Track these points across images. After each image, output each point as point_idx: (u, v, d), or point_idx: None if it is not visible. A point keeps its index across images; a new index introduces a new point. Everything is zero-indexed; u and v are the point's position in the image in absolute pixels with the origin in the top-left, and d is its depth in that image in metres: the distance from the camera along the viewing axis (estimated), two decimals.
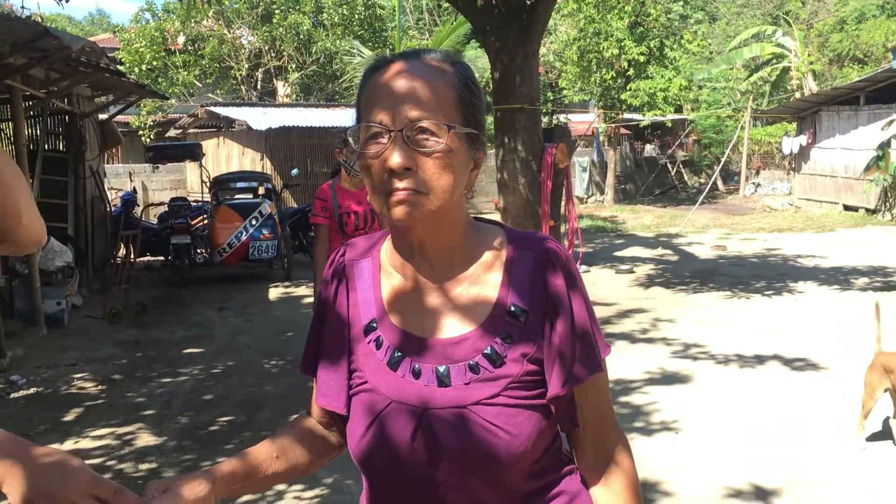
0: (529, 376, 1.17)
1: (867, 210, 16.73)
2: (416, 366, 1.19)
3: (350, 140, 1.19)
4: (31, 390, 5.98)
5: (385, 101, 1.14)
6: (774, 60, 24.04)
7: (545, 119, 16.12)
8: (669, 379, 5.83)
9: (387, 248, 1.29)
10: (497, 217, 13.43)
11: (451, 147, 1.14)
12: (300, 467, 1.33)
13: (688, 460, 4.32)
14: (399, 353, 1.20)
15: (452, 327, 1.20)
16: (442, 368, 1.17)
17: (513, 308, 1.19)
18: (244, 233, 10.49)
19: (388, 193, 1.13)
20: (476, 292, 1.21)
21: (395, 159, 1.11)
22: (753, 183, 23.06)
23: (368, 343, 1.23)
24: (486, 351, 1.17)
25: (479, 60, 26.42)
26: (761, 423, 4.85)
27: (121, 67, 11.77)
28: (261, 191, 11.58)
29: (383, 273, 1.27)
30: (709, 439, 4.62)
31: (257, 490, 1.31)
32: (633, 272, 10.72)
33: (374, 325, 1.24)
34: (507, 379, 1.16)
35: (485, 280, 1.21)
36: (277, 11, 22.95)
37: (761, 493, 3.89)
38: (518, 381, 1.16)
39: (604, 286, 9.75)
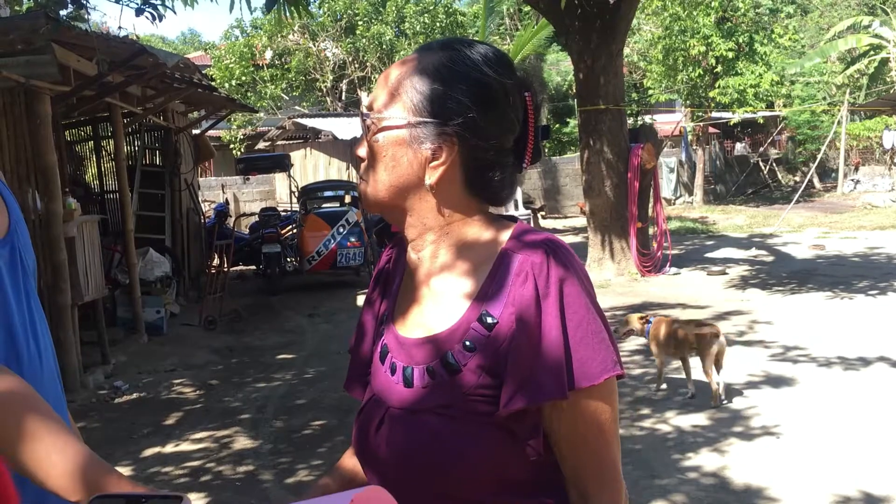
0: (485, 390, 1.07)
1: None
2: (395, 362, 1.16)
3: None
4: (134, 395, 6.21)
5: None
6: (872, 52, 23.04)
7: (630, 120, 15.85)
8: (769, 382, 5.62)
9: None
10: (582, 221, 13.25)
11: (388, 137, 1.12)
12: None
13: (791, 466, 4.14)
14: (386, 348, 1.19)
15: (423, 327, 1.15)
16: (409, 369, 1.13)
17: (484, 315, 1.09)
18: (332, 241, 10.67)
19: None
20: (454, 294, 1.13)
21: (356, 148, 1.17)
22: (852, 179, 22.12)
23: (379, 333, 1.24)
24: (445, 357, 1.10)
25: (561, 63, 26.27)
26: (868, 428, 4.62)
27: (212, 83, 12.15)
28: (347, 199, 11.78)
29: (407, 269, 1.24)
30: (813, 444, 4.42)
31: None
32: (726, 273, 10.41)
33: (385, 316, 1.24)
34: (461, 389, 1.07)
35: (467, 282, 1.13)
36: (360, 23, 23.33)
37: (871, 500, 3.70)
38: (472, 394, 1.07)
39: (696, 288, 9.50)
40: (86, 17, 6.31)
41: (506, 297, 1.08)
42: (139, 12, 5.24)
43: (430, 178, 1.11)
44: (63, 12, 6.27)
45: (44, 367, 1.27)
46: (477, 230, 1.16)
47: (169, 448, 4.93)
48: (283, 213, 13.18)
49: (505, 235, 1.15)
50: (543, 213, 18.37)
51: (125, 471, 4.52)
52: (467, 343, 1.08)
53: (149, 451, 4.87)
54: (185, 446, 4.96)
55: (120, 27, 13.12)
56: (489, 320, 1.08)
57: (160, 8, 5.30)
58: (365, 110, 1.14)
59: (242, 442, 4.99)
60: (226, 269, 9.85)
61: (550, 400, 1.05)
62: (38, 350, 1.27)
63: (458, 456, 1.06)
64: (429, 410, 1.09)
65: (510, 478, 1.09)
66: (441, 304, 1.14)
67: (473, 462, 1.06)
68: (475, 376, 1.07)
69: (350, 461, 1.31)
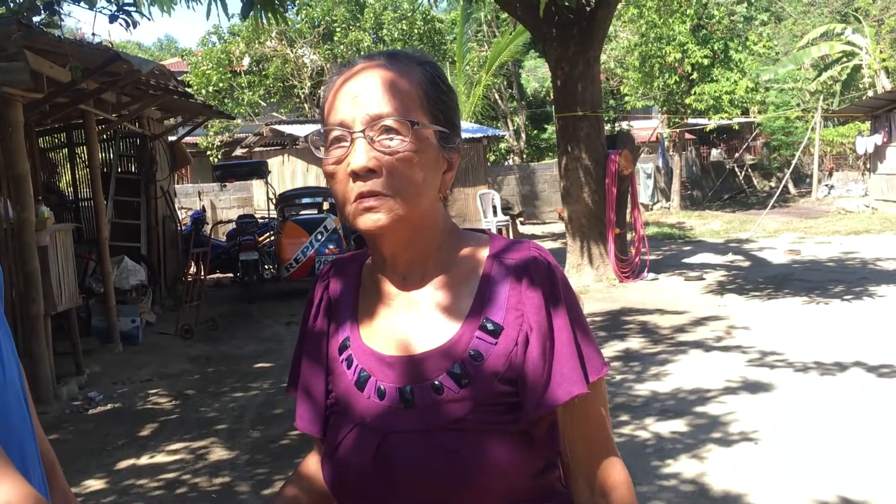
0: (501, 398, 1.06)
1: None
2: (381, 386, 1.10)
3: (311, 147, 1.12)
4: (108, 406, 6.12)
5: (347, 102, 1.07)
6: (844, 59, 23.33)
7: (607, 126, 15.92)
8: (747, 388, 5.64)
9: (368, 263, 1.22)
10: (561, 227, 13.30)
11: (418, 146, 1.05)
12: None
13: (770, 471, 4.15)
14: (365, 373, 1.12)
15: (418, 343, 1.10)
16: (406, 388, 1.08)
17: (486, 323, 1.08)
18: (310, 248, 10.61)
19: (354, 201, 1.05)
20: (447, 306, 1.11)
21: (357, 161, 1.03)
22: (826, 185, 22.38)
23: (341, 362, 1.16)
24: (451, 369, 1.07)
25: (539, 70, 26.37)
26: (845, 432, 4.65)
27: (188, 89, 12.07)
28: (325, 206, 11.72)
29: (363, 289, 1.20)
30: (791, 449, 4.44)
31: None
32: (704, 279, 10.47)
33: (347, 343, 1.16)
34: (475, 401, 1.05)
35: (458, 293, 1.12)
36: (338, 29, 23.26)
37: None
38: (487, 404, 1.06)
39: (673, 294, 9.54)
40: (59, 23, 6.22)
41: (505, 302, 1.08)
42: (113, 19, 5.17)
43: (445, 188, 1.12)
44: (36, 19, 6.18)
45: (7, 383, 1.24)
46: (456, 240, 1.16)
47: (144, 460, 4.85)
48: (260, 221, 13.09)
49: (484, 245, 1.15)
50: (522, 219, 18.41)
51: (99, 484, 4.45)
52: (472, 352, 1.07)
53: (123, 464, 4.80)
54: (161, 458, 4.89)
55: (94, 34, 12.97)
56: (492, 327, 1.08)
57: (134, 15, 5.24)
58: (357, 123, 1.06)
59: (219, 453, 4.93)
60: (202, 277, 9.76)
61: (579, 394, 1.07)
62: (1, 366, 1.23)
63: (477, 469, 1.04)
64: (441, 428, 1.05)
65: (523, 485, 1.09)
66: (430, 318, 1.11)
67: (493, 473, 1.05)
68: (488, 385, 1.06)
69: (314, 467, 1.28)
